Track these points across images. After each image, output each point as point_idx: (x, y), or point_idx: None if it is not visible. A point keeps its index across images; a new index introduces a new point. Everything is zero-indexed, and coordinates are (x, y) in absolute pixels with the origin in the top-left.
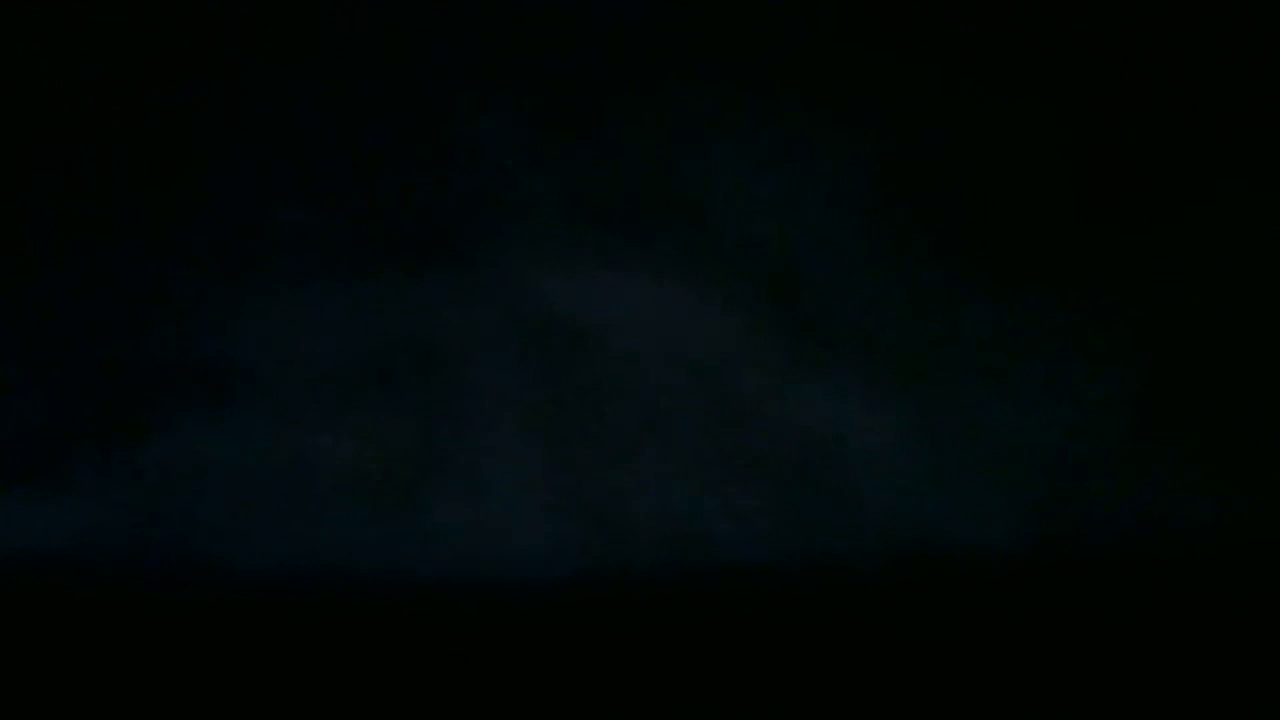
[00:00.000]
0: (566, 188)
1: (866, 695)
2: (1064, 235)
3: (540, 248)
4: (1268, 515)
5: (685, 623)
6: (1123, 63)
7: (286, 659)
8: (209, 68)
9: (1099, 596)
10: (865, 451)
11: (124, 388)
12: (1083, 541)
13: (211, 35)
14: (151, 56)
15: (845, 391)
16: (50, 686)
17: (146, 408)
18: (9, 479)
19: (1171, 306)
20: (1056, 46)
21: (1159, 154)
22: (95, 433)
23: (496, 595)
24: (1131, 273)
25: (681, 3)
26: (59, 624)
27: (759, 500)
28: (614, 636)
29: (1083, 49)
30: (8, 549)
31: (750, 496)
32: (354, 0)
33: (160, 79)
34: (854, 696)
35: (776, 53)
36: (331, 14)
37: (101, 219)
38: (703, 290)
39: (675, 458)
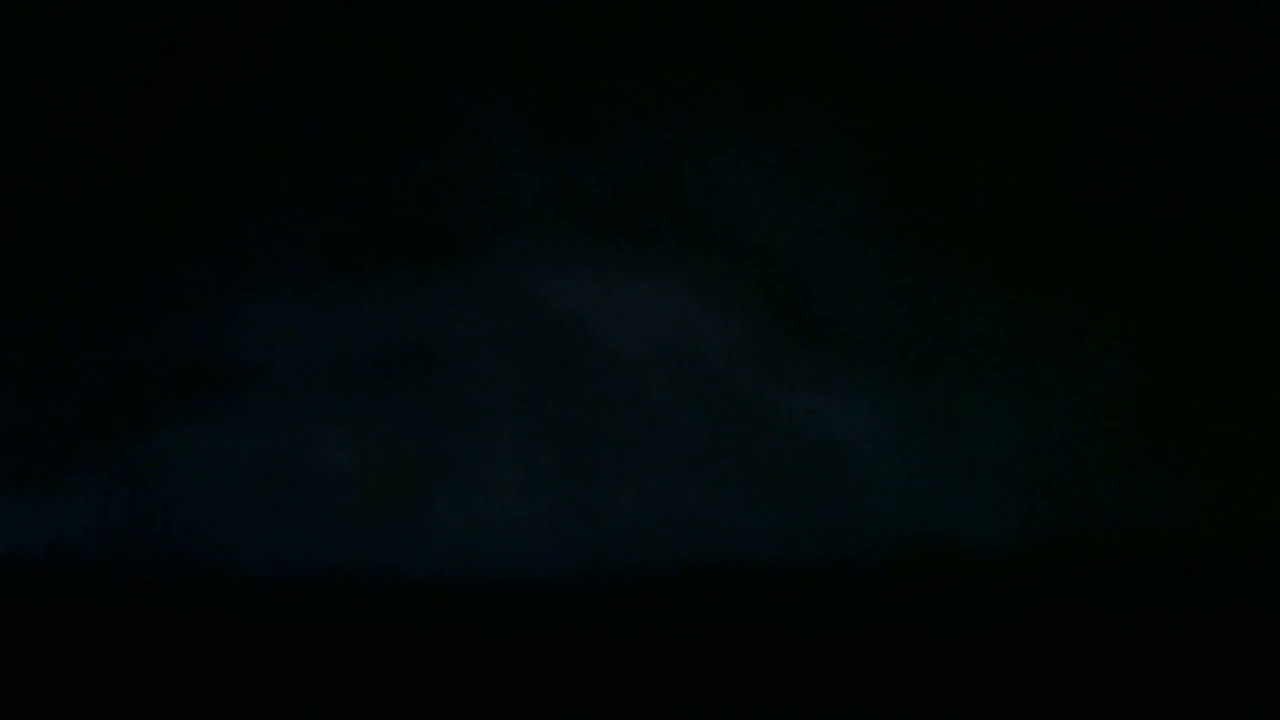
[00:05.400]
0: (567, 188)
1: (866, 695)
2: (1064, 236)
3: (541, 248)
4: (1265, 515)
5: (685, 623)
6: (1122, 64)
7: (286, 659)
8: (209, 68)
9: (1098, 596)
10: (865, 451)
11: (124, 388)
12: (1083, 541)
13: (211, 35)
14: (150, 57)
15: (845, 392)
16: (50, 687)
17: (146, 408)
18: (9, 479)
19: (1170, 307)
20: (1055, 48)
21: (1158, 155)
22: (95, 433)
23: (496, 595)
24: (1130, 273)
25: (683, 4)
26: (58, 624)
27: (759, 500)
28: (613, 637)
29: (1081, 51)
30: (8, 549)
31: (750, 496)
32: (355, 1)
33: (160, 79)
34: (854, 697)
35: (777, 54)
36: (332, 15)
37: (101, 219)
38: (703, 291)
39: (675, 458)
